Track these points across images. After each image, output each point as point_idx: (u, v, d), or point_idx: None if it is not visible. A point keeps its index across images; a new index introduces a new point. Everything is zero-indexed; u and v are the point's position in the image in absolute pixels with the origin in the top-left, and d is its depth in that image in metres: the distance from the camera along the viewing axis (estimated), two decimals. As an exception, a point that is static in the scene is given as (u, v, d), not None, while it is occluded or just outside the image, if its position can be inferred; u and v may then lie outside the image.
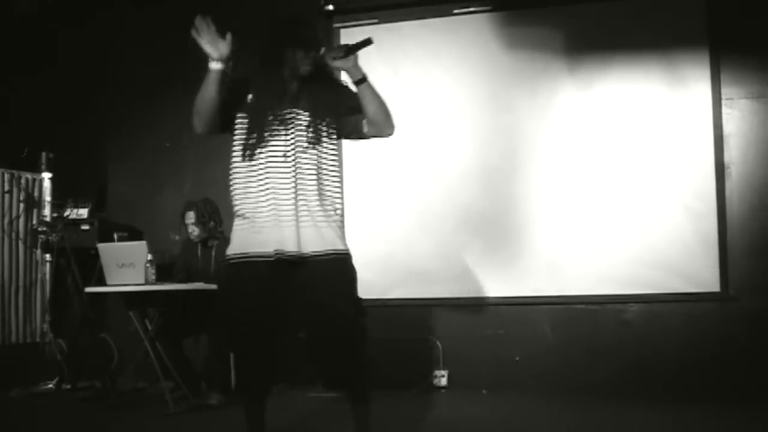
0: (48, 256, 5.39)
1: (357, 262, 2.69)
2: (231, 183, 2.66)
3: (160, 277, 4.37)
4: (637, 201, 4.80)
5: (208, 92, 2.57)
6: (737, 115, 4.75)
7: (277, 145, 2.59)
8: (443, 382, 4.92)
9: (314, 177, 2.62)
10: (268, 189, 2.58)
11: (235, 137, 2.66)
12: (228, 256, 2.65)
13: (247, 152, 2.60)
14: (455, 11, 5.19)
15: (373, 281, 4.88)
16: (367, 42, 2.56)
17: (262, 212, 2.59)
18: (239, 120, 2.65)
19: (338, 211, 2.69)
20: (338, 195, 2.70)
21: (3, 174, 5.40)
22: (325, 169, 2.66)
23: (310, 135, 2.62)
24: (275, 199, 2.57)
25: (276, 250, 2.54)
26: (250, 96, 2.64)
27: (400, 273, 5.09)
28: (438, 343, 5.00)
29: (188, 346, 4.65)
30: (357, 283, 2.68)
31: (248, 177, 2.62)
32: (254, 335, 2.61)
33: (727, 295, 4.62)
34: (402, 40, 5.10)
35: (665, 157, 4.79)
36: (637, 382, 4.64)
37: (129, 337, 4.78)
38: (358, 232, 4.91)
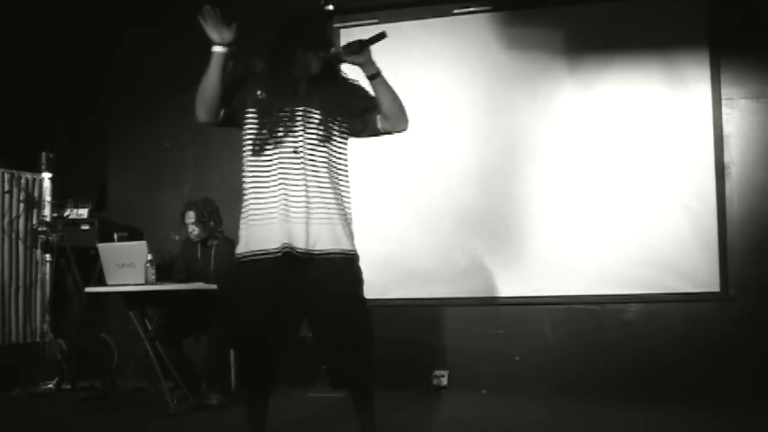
0: (48, 256, 5.39)
1: (357, 261, 2.69)
2: (243, 179, 2.68)
3: (160, 277, 4.37)
4: (637, 201, 4.80)
5: (210, 77, 2.60)
6: (737, 115, 4.75)
7: (288, 143, 2.60)
8: (443, 382, 4.92)
9: (324, 175, 2.62)
10: (278, 185, 2.59)
11: (246, 134, 2.67)
12: (239, 254, 2.66)
13: (258, 148, 2.62)
14: (455, 11, 5.19)
15: (373, 281, 4.80)
16: (381, 36, 2.56)
17: (272, 209, 2.60)
18: (249, 116, 2.65)
19: (348, 210, 2.70)
20: (348, 194, 2.71)
21: (3, 174, 5.40)
22: (335, 167, 2.67)
23: (321, 133, 2.63)
24: (285, 196, 2.58)
25: (284, 244, 2.55)
26: (259, 92, 2.64)
27: (400, 273, 5.09)
28: (438, 343, 5.00)
29: (188, 346, 4.65)
30: (363, 285, 2.69)
31: (259, 173, 2.64)
32: (262, 333, 2.61)
33: (727, 295, 4.62)
34: (402, 40, 5.10)
35: (665, 157, 4.79)
36: (637, 382, 4.64)
37: (129, 337, 4.78)
38: (358, 232, 4.88)
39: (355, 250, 2.67)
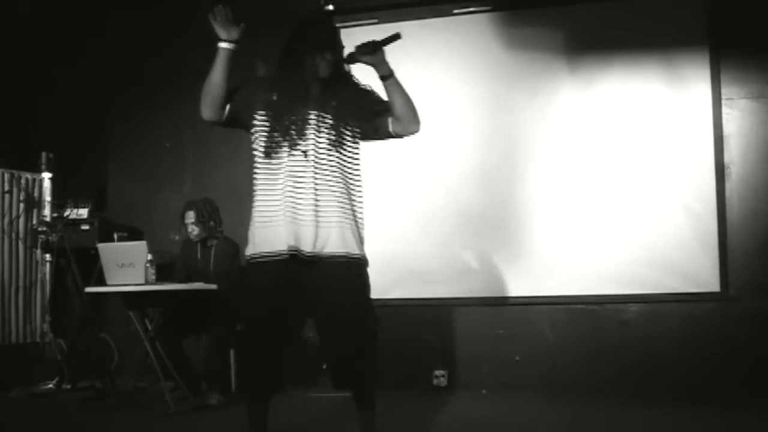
0: (48, 256, 5.39)
1: (357, 261, 2.68)
2: (253, 181, 2.67)
3: (160, 277, 4.37)
4: (637, 201, 4.80)
5: (215, 73, 2.62)
6: (737, 115, 4.75)
7: (300, 146, 2.59)
8: (443, 382, 4.92)
9: (335, 179, 2.63)
10: (287, 188, 2.59)
11: (256, 136, 2.66)
12: (248, 255, 2.66)
13: (268, 151, 2.61)
14: (455, 11, 5.19)
15: (374, 281, 4.76)
16: (396, 37, 2.58)
17: (280, 211, 2.59)
18: (259, 119, 2.65)
19: (359, 215, 2.70)
20: (360, 199, 2.71)
21: (3, 174, 5.40)
22: (347, 171, 2.67)
23: (333, 138, 2.63)
24: (294, 199, 2.58)
25: (290, 246, 2.55)
26: (271, 95, 2.65)
27: (400, 273, 5.09)
28: (438, 343, 5.00)
29: (188, 346, 4.65)
30: (370, 289, 2.69)
31: (269, 176, 2.63)
32: (266, 334, 2.61)
33: (727, 295, 4.62)
34: (402, 40, 5.09)
35: (665, 157, 4.79)
36: (637, 382, 4.64)
37: (129, 337, 4.78)
38: (358, 232, 4.91)
39: (363, 255, 2.67)
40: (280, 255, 2.57)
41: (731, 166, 4.73)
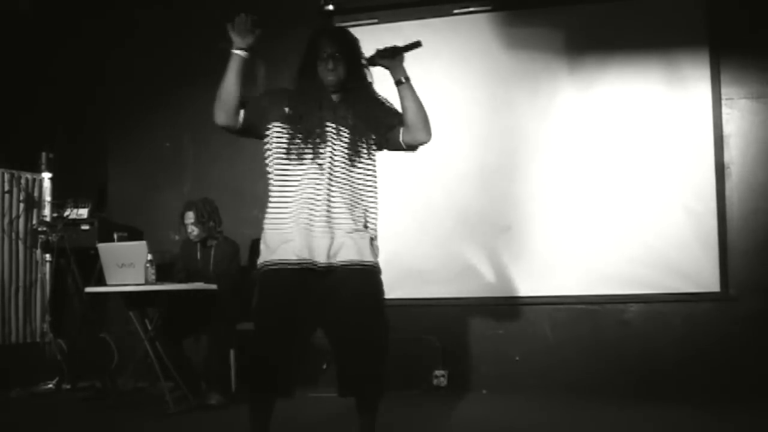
0: (48, 256, 5.39)
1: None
2: (269, 190, 2.68)
3: (160, 277, 4.37)
4: (637, 201, 4.80)
5: (228, 80, 2.61)
6: (737, 115, 4.75)
7: (316, 158, 2.61)
8: (443, 382, 4.92)
9: (349, 191, 2.64)
10: (302, 199, 2.60)
11: (272, 147, 2.67)
12: (260, 262, 2.66)
13: (285, 162, 2.62)
14: (455, 11, 5.19)
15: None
16: (417, 45, 2.61)
17: (295, 221, 2.60)
18: (276, 130, 2.66)
19: (372, 226, 2.71)
20: (374, 211, 2.72)
21: (3, 174, 5.40)
22: (362, 184, 2.69)
23: (350, 151, 2.65)
24: (309, 210, 2.59)
25: (303, 258, 2.56)
26: (287, 108, 2.66)
27: (400, 273, 5.07)
28: (438, 343, 5.00)
29: (188, 346, 4.65)
30: (383, 297, 2.69)
31: (284, 186, 2.64)
32: (275, 340, 2.61)
33: (727, 295, 4.63)
34: (402, 40, 5.07)
35: (665, 157, 4.79)
36: (637, 382, 4.64)
37: (129, 337, 4.78)
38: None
39: (376, 263, 2.67)
40: (292, 264, 2.57)
41: (731, 166, 4.73)
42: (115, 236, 5.11)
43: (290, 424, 2.99)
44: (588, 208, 4.89)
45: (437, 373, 4.94)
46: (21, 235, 5.44)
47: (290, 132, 2.64)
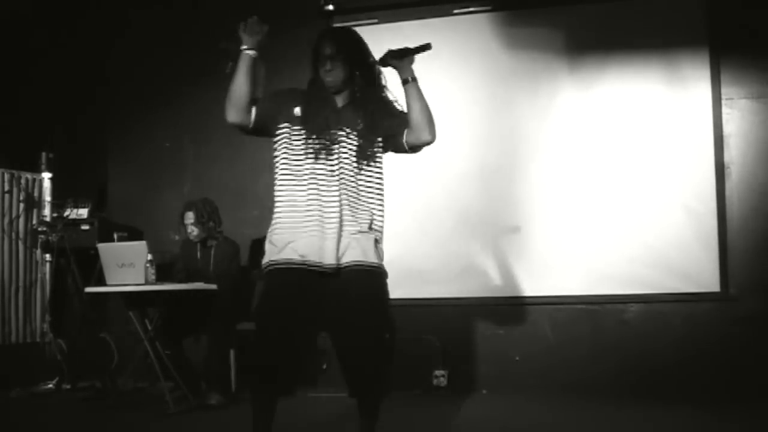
0: (48, 256, 5.39)
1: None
2: (276, 191, 2.69)
3: (160, 277, 4.37)
4: (638, 201, 4.80)
5: (238, 77, 2.63)
6: (737, 115, 4.75)
7: (326, 160, 2.62)
8: (443, 382, 4.92)
9: (357, 194, 2.65)
10: (310, 200, 2.61)
11: (281, 148, 2.68)
12: (266, 262, 2.66)
13: (293, 164, 2.64)
14: (455, 11, 5.19)
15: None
16: (427, 47, 2.64)
17: (302, 222, 2.61)
18: (284, 131, 2.67)
19: (378, 228, 2.71)
20: (380, 214, 2.72)
21: (3, 174, 5.40)
22: (369, 187, 2.69)
23: (356, 153, 2.66)
24: (319, 212, 2.60)
25: (305, 259, 2.57)
26: (297, 110, 2.67)
27: (400, 273, 5.01)
28: (438, 343, 5.00)
29: (188, 346, 4.65)
30: (388, 299, 2.70)
31: (293, 188, 2.64)
32: (280, 341, 2.61)
33: (727, 295, 4.63)
34: (402, 40, 5.06)
35: (665, 157, 4.79)
36: (637, 382, 4.64)
37: (129, 337, 4.78)
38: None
39: (381, 265, 2.68)
40: (298, 264, 2.58)
41: (731, 166, 4.73)
42: (115, 236, 5.11)
43: (290, 424, 2.98)
44: (588, 207, 4.88)
45: (437, 373, 4.94)
46: (21, 235, 5.44)
47: (299, 133, 2.65)
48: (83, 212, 5.37)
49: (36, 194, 5.57)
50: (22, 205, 5.47)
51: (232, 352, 4.64)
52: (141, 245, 4.30)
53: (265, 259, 2.67)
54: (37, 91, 5.56)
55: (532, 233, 4.95)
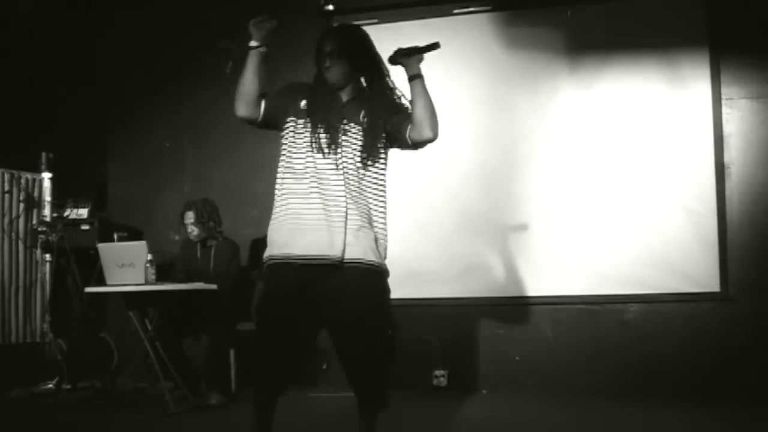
0: (48, 256, 5.38)
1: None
2: (278, 183, 2.70)
3: (160, 277, 4.36)
4: (638, 201, 4.80)
5: (246, 72, 2.67)
6: (737, 115, 4.75)
7: (330, 155, 2.63)
8: (443, 382, 4.92)
9: (359, 190, 2.65)
10: (316, 195, 2.61)
11: (285, 141, 2.70)
12: (267, 256, 2.67)
13: (297, 157, 2.65)
14: (455, 11, 5.19)
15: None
16: (435, 46, 2.66)
17: (304, 216, 2.61)
18: (290, 125, 2.69)
19: (381, 226, 2.71)
20: (382, 209, 2.73)
21: (3, 174, 5.40)
22: (371, 182, 2.70)
23: (360, 149, 2.67)
24: (323, 205, 2.60)
25: (306, 253, 2.57)
26: (303, 103, 2.70)
27: (400, 273, 5.01)
28: (438, 343, 5.00)
29: (188, 346, 4.65)
30: (388, 298, 2.71)
31: (296, 181, 2.65)
32: (282, 336, 2.62)
33: (727, 295, 4.63)
34: (402, 40, 5.06)
35: (665, 157, 4.79)
36: (637, 382, 4.64)
37: (129, 337, 4.78)
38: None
39: (382, 263, 2.68)
40: (298, 259, 2.58)
41: (731, 166, 4.73)
42: (115, 236, 5.11)
43: (290, 424, 2.98)
44: (588, 208, 4.88)
45: (437, 373, 4.94)
46: (21, 235, 5.44)
47: (303, 126, 2.67)
48: (83, 212, 5.37)
49: (36, 194, 5.56)
50: (22, 205, 5.46)
51: (232, 352, 4.64)
52: (141, 245, 4.30)
53: (266, 254, 2.68)
54: (37, 91, 5.56)
55: (533, 233, 4.95)
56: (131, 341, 4.67)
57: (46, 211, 5.51)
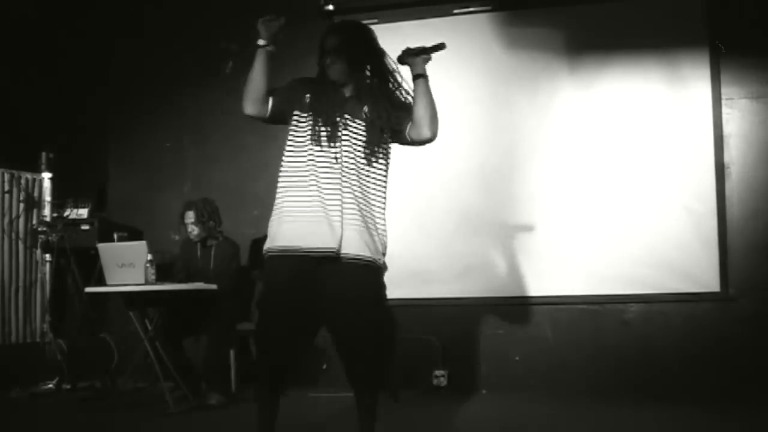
0: (48, 256, 5.38)
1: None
2: (279, 177, 2.72)
3: (160, 277, 4.36)
4: (638, 201, 4.80)
5: (254, 70, 2.71)
6: (737, 115, 4.75)
7: (331, 149, 2.66)
8: (443, 382, 4.92)
9: (359, 185, 2.67)
10: (314, 188, 2.64)
11: (289, 134, 2.73)
12: (267, 248, 2.69)
13: (299, 150, 2.68)
14: (455, 11, 5.20)
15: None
16: (442, 46, 2.72)
17: (303, 208, 2.64)
18: (295, 118, 2.72)
19: (380, 222, 2.73)
20: (381, 208, 2.74)
21: (3, 174, 5.40)
22: (371, 177, 2.71)
23: (361, 144, 2.69)
24: (321, 199, 2.62)
25: (305, 245, 2.59)
26: (307, 96, 2.73)
27: (400, 273, 5.03)
28: (438, 343, 4.99)
29: (188, 346, 4.65)
30: (384, 293, 2.72)
31: (294, 174, 2.68)
32: (283, 330, 2.63)
33: (727, 295, 4.63)
34: (402, 40, 5.06)
35: (665, 157, 4.79)
36: (637, 382, 4.64)
37: (129, 337, 4.78)
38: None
39: (379, 259, 2.69)
40: (296, 251, 2.60)
41: (731, 166, 4.73)
42: (115, 236, 5.11)
43: (290, 424, 2.98)
44: (588, 208, 4.88)
45: (437, 373, 4.94)
46: (21, 235, 5.44)
47: (305, 119, 2.70)
48: (83, 212, 5.38)
49: (36, 194, 5.56)
50: (22, 205, 5.46)
51: (232, 352, 4.64)
52: (141, 245, 4.30)
53: (265, 246, 2.70)
54: (37, 91, 5.56)
55: (533, 233, 4.94)
56: (131, 341, 4.67)
57: (46, 211, 5.51)
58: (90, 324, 5.32)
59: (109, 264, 4.31)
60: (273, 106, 2.73)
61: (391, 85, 2.80)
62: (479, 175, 5.06)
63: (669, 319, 4.72)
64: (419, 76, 2.71)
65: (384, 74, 2.79)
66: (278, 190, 2.71)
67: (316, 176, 2.63)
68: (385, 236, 2.74)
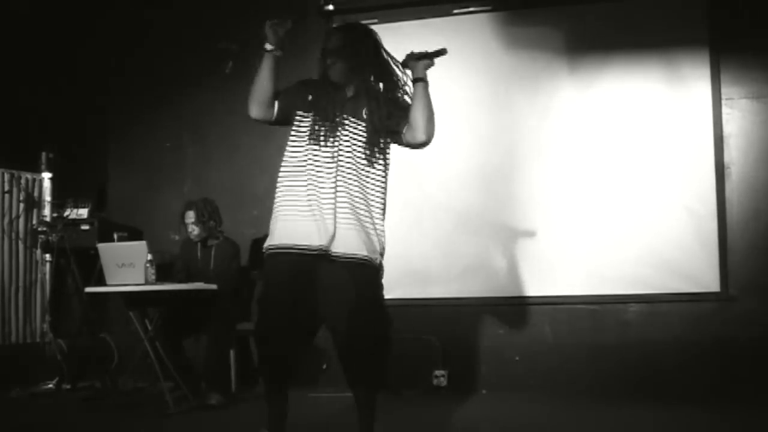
0: (48, 256, 5.38)
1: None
2: (278, 177, 2.74)
3: (160, 277, 4.36)
4: (638, 201, 4.80)
5: (261, 75, 2.72)
6: (737, 115, 4.75)
7: (323, 145, 2.69)
8: (443, 382, 4.92)
9: (357, 185, 2.69)
10: (310, 186, 2.66)
11: (289, 134, 2.76)
12: (266, 246, 2.71)
13: (297, 148, 2.71)
14: (455, 11, 5.20)
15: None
16: (443, 52, 2.80)
17: (302, 207, 2.66)
18: (297, 116, 2.76)
19: (378, 223, 2.74)
20: (380, 208, 2.75)
21: (3, 174, 5.40)
22: (370, 177, 2.73)
23: (360, 145, 2.72)
24: (317, 198, 2.64)
25: (304, 243, 2.61)
26: (310, 96, 2.76)
27: (400, 273, 5.06)
28: (438, 343, 4.99)
29: (188, 346, 4.65)
30: (383, 293, 2.74)
31: (292, 173, 2.71)
32: (284, 326, 2.65)
33: (727, 295, 4.63)
34: (402, 40, 5.06)
35: (665, 157, 4.79)
36: (637, 382, 4.64)
37: (129, 337, 4.78)
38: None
39: (376, 258, 2.70)
40: (295, 248, 2.62)
41: (731, 166, 4.73)
42: (115, 236, 5.11)
43: (290, 424, 2.99)
44: (588, 208, 4.88)
45: (437, 373, 4.94)
46: (21, 235, 5.44)
47: (306, 119, 2.73)
48: (83, 212, 5.38)
49: (36, 194, 5.56)
50: (22, 205, 5.46)
51: (232, 352, 4.64)
52: (141, 245, 4.30)
53: (266, 243, 2.73)
54: (38, 91, 5.56)
55: (533, 233, 4.94)
56: (131, 341, 4.67)
57: (46, 211, 5.51)
58: (90, 324, 5.32)
59: (109, 264, 4.31)
60: (279, 110, 2.75)
61: (391, 87, 2.80)
62: (479, 175, 5.06)
63: (669, 319, 4.72)
64: (419, 80, 2.75)
65: (385, 76, 2.81)
66: (277, 189, 2.74)
67: (314, 175, 2.66)
68: (384, 237, 2.75)
